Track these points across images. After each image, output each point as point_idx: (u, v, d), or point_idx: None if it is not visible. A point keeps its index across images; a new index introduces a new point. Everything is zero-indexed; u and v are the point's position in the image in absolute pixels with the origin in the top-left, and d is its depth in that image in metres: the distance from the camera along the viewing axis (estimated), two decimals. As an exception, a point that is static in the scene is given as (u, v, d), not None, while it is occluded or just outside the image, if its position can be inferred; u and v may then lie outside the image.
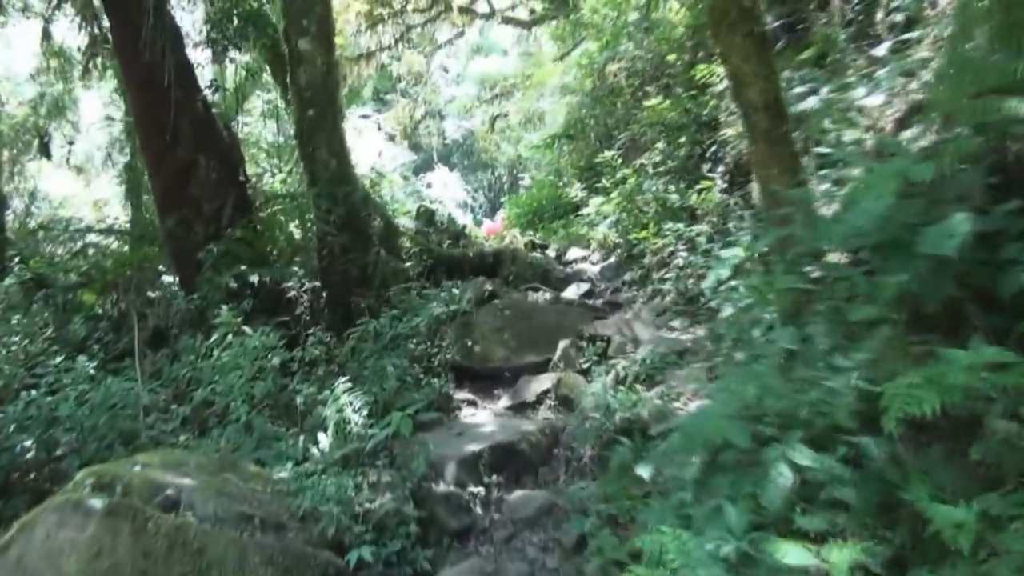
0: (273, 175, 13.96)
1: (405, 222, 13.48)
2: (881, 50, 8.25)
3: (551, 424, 8.05)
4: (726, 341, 6.38)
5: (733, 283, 6.80)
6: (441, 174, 33.49)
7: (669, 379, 8.43)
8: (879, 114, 7.39)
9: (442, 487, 6.82)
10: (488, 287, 10.99)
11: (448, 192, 30.74)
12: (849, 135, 7.39)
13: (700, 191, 10.76)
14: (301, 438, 7.59)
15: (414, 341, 9.57)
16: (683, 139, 12.65)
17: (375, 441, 6.64)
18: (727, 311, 7.86)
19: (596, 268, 13.57)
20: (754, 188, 9.85)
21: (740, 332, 6.10)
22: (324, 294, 11.81)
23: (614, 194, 14.03)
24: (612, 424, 7.32)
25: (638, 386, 8.25)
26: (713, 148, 11.17)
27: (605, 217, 14.36)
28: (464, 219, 31.42)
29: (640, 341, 9.37)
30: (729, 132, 10.58)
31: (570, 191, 17.49)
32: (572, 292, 11.98)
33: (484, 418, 8.56)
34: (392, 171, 25.64)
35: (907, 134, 6.48)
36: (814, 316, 4.39)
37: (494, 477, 7.18)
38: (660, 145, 13.97)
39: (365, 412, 7.80)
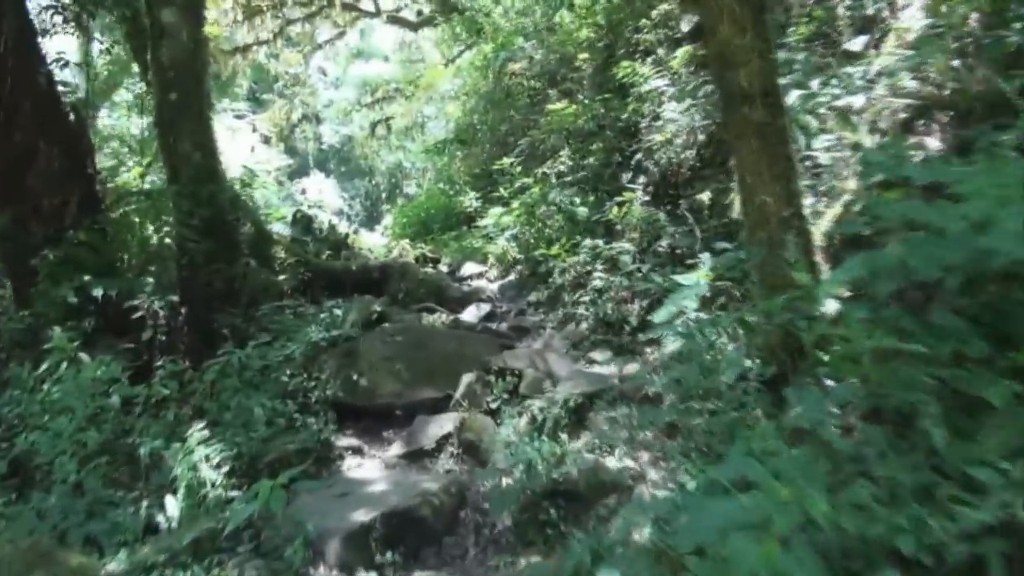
0: (129, 169, 12.06)
1: (279, 229, 11.83)
2: (857, 44, 7.10)
3: (456, 480, 6.64)
4: (690, 391, 5.02)
5: (691, 317, 5.45)
6: (317, 180, 32.16)
7: (595, 424, 7.11)
8: (875, 116, 6.20)
9: (322, 573, 5.32)
10: (376, 307, 9.47)
11: (324, 199, 29.37)
12: (842, 137, 6.19)
13: (620, 204, 9.47)
14: (144, 503, 5.96)
15: (287, 373, 7.99)
16: (595, 146, 11.36)
17: (238, 519, 5.03)
18: (670, 347, 6.58)
19: (495, 286, 12.18)
20: (685, 203, 8.67)
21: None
22: (183, 311, 10.11)
23: (514, 204, 12.67)
24: (534, 484, 5.94)
25: (561, 434, 6.90)
26: (636, 156, 9.88)
27: (504, 230, 12.99)
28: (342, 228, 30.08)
29: (556, 376, 8.02)
30: (656, 138, 9.32)
31: (463, 200, 16.04)
32: (471, 314, 10.55)
33: (373, 471, 7.07)
34: (267, 174, 23.89)
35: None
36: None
37: (388, 555, 5.68)
38: (565, 153, 12.70)
39: (226, 469, 6.23)
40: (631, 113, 10.43)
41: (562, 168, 12.59)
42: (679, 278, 5.78)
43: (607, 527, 5.73)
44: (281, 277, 10.63)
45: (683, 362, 5.45)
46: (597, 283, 9.04)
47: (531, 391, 7.73)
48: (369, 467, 7.23)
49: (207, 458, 6.20)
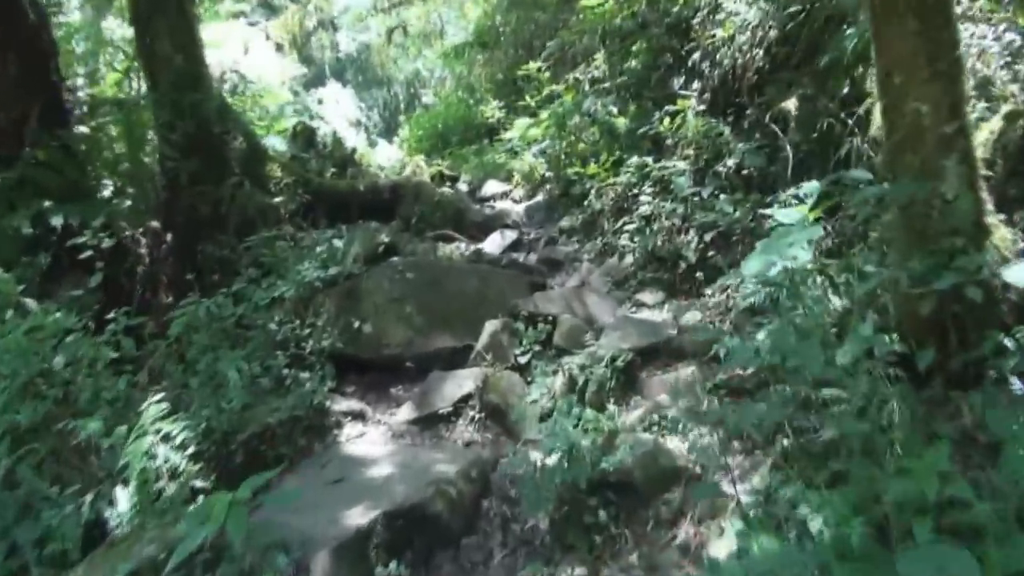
0: (104, 75, 10.57)
1: (276, 144, 10.41)
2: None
3: (478, 459, 5.36)
4: (797, 371, 3.64)
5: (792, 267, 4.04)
6: (333, 90, 30.70)
7: (649, 390, 5.80)
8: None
9: (305, 603, 4.10)
10: (383, 237, 8.07)
11: (341, 109, 28.16)
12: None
13: (671, 114, 7.98)
14: (88, 498, 4.69)
15: (276, 319, 6.67)
16: (637, 47, 9.79)
17: (183, 552, 3.71)
18: (750, 296, 5.20)
19: (520, 208, 10.75)
20: (753, 113, 7.20)
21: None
22: (168, 239, 8.81)
23: (543, 115, 11.18)
24: (577, 474, 4.66)
25: (608, 402, 5.60)
26: (690, 58, 8.32)
27: (531, 144, 11.52)
28: (355, 140, 28.86)
29: (598, 323, 6.72)
30: (717, 33, 7.75)
31: (485, 110, 14.47)
32: (495, 243, 9.15)
33: (377, 444, 5.79)
34: (281, 84, 22.93)
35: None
36: None
37: (392, 566, 4.42)
38: (600, 56, 11.13)
39: (191, 451, 4.97)
40: (682, 6, 8.84)
41: (597, 73, 11.06)
42: (778, 213, 4.36)
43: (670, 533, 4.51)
44: (277, 200, 9.24)
45: (779, 327, 4.06)
46: (645, 209, 7.62)
47: (568, 343, 6.42)
48: (373, 437, 5.95)
49: (167, 438, 4.93)
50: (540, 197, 10.88)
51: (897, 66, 3.47)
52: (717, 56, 7.80)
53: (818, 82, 6.25)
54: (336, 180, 10.34)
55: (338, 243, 7.66)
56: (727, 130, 7.23)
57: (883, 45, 3.57)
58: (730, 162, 6.92)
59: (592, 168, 8.67)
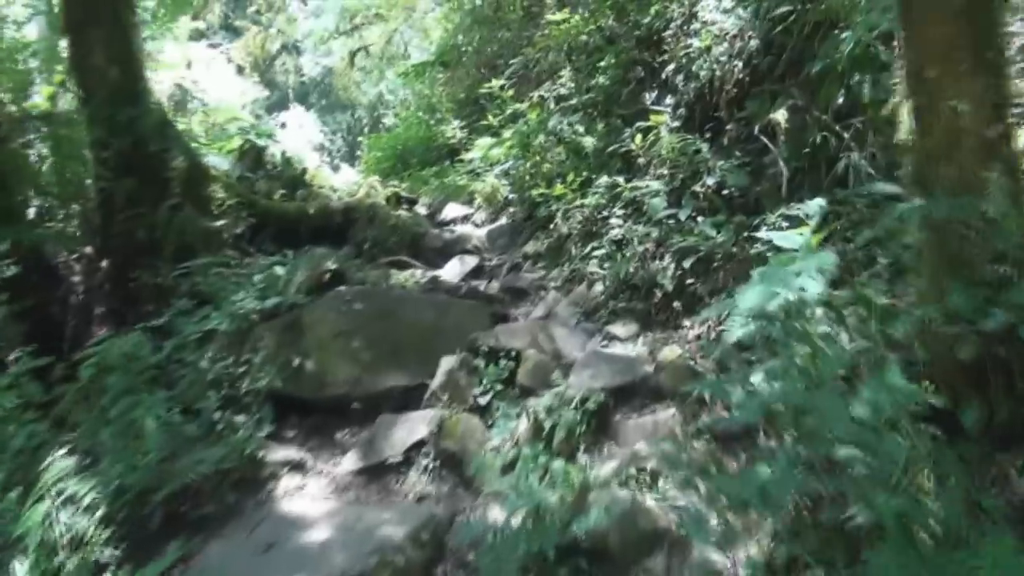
0: (33, 90, 9.79)
1: (220, 163, 9.69)
2: None
3: (430, 519, 4.68)
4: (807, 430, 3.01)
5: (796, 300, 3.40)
6: (296, 114, 30.36)
7: (623, 435, 5.18)
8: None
9: None
10: (330, 264, 7.36)
11: (303, 133, 28.44)
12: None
13: (643, 131, 7.38)
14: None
15: (208, 356, 5.97)
16: (604, 62, 9.19)
17: None
18: (737, 331, 4.57)
19: (482, 232, 10.10)
20: (734, 128, 6.64)
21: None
22: (103, 265, 8.12)
23: (506, 135, 10.58)
24: (544, 539, 4.02)
25: (578, 450, 4.98)
26: (663, 72, 7.70)
27: (493, 164, 10.91)
28: (318, 164, 28.45)
29: (566, 358, 6.08)
30: (693, 44, 7.14)
31: (446, 130, 13.85)
32: (454, 270, 8.47)
33: (317, 501, 5.12)
34: (242, 108, 22.55)
35: None
36: None
37: (325, 655, 3.75)
38: (566, 73, 10.56)
39: (100, 513, 4.27)
40: (653, 17, 8.27)
41: (563, 91, 10.48)
42: (776, 237, 3.75)
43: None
44: (219, 223, 8.52)
45: (781, 370, 3.43)
46: (616, 232, 7.00)
47: (533, 381, 5.78)
48: (313, 491, 5.26)
49: (71, 500, 4.23)
50: (503, 220, 10.25)
51: (932, 57, 2.86)
52: (692, 68, 7.20)
53: (808, 93, 5.68)
54: (284, 202, 9.64)
55: (280, 270, 6.96)
56: (705, 147, 6.62)
57: (916, 33, 2.97)
58: (710, 181, 6.30)
59: (559, 189, 8.04)
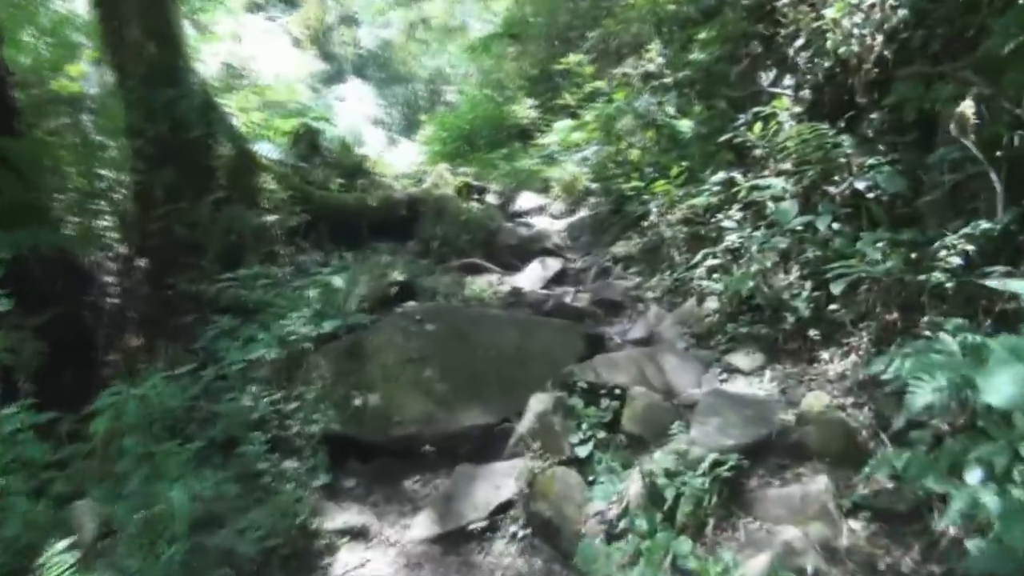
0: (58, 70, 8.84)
1: (270, 151, 8.73)
2: None
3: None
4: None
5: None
6: (354, 86, 29.52)
7: (763, 509, 4.14)
8: None
9: None
10: (396, 274, 6.36)
11: (361, 107, 26.99)
12: None
13: (760, 116, 6.27)
14: None
15: (253, 389, 5.04)
16: (704, 35, 8.04)
17: None
18: (922, 397, 3.51)
19: (561, 226, 9.08)
20: (876, 119, 5.52)
21: None
22: (140, 264, 7.29)
23: (586, 116, 9.52)
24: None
25: (707, 529, 3.98)
26: (784, 48, 6.55)
27: (572, 149, 9.86)
28: (375, 139, 27.79)
29: (680, 397, 5.07)
30: (827, 14, 5.97)
31: (516, 110, 12.77)
32: (534, 275, 7.45)
33: (381, 583, 4.16)
34: (299, 81, 21.96)
35: None
36: None
37: None
38: (655, 47, 9.43)
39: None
40: None
41: (651, 68, 9.36)
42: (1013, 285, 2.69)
43: None
44: (270, 218, 7.58)
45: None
46: (732, 239, 5.91)
47: (643, 428, 4.77)
48: (378, 566, 4.31)
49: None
50: (584, 213, 9.20)
51: None
52: (821, 44, 6.03)
53: (986, 78, 4.52)
54: (343, 194, 8.67)
55: (338, 281, 5.97)
56: (845, 139, 5.47)
57: None
58: (860, 185, 5.15)
59: (660, 185, 6.95)
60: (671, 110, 8.27)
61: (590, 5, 12.35)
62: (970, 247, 4.17)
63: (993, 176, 4.19)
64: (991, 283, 2.81)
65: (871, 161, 5.19)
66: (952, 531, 3.56)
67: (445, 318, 5.80)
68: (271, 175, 8.02)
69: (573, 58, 10.63)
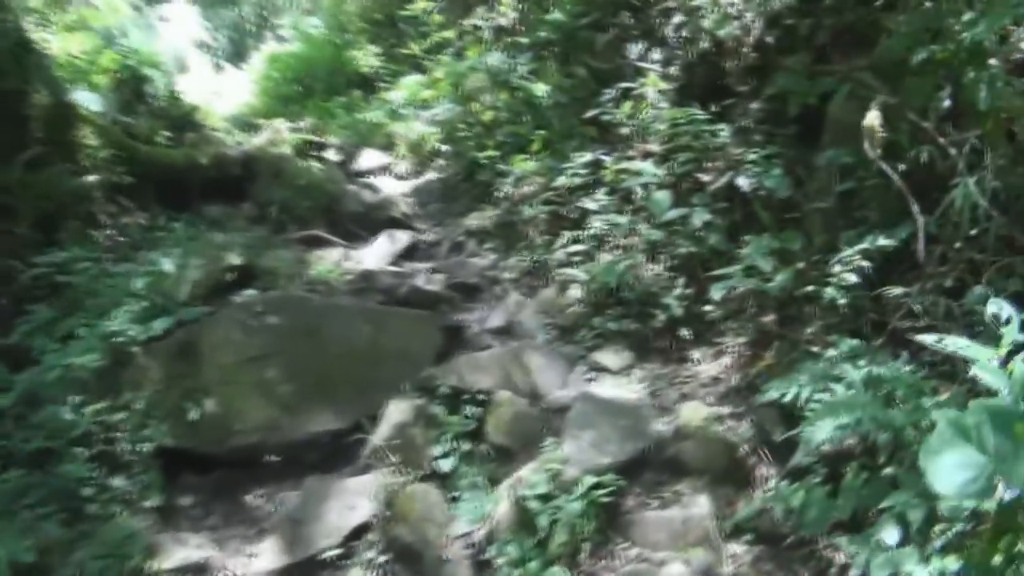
0: None
1: (88, 99, 7.84)
2: None
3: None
4: None
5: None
6: (178, 7, 28.09)
7: (642, 534, 3.90)
8: None
9: None
10: (234, 258, 5.75)
11: (185, 30, 25.82)
12: None
13: (628, 92, 5.96)
14: None
15: (74, 398, 4.45)
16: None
17: None
18: (822, 430, 3.30)
19: (408, 188, 8.58)
20: (755, 109, 5.32)
21: None
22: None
23: (438, 72, 9.03)
24: None
25: (581, 556, 3.73)
26: (657, 22, 6.23)
27: (418, 105, 9.36)
28: (200, 66, 26.64)
29: (548, 400, 4.75)
30: None
31: (357, 56, 12.03)
32: (383, 250, 6.93)
33: (225, 634, 3.72)
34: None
35: None
36: None
37: None
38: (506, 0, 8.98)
39: None
40: None
41: (504, 22, 8.92)
42: (957, 346, 2.48)
43: None
44: (91, 178, 6.80)
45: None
46: (597, 226, 5.61)
47: (511, 439, 4.49)
48: (218, 608, 3.86)
49: None
50: (432, 176, 8.73)
51: None
52: (697, 21, 5.74)
53: (886, 84, 4.30)
54: (170, 150, 7.90)
55: (168, 265, 5.34)
56: (722, 128, 5.20)
57: None
58: (741, 181, 4.89)
59: (518, 160, 6.58)
60: (525, 71, 7.88)
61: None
62: (866, 263, 3.97)
63: (902, 187, 3.98)
64: (929, 342, 2.55)
65: (752, 156, 4.94)
66: (842, 557, 3.40)
67: (290, 309, 5.27)
68: (92, 129, 7.20)
69: (419, 4, 10.06)
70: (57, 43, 8.71)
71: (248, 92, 14.34)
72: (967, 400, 3.04)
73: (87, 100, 7.63)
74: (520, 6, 8.83)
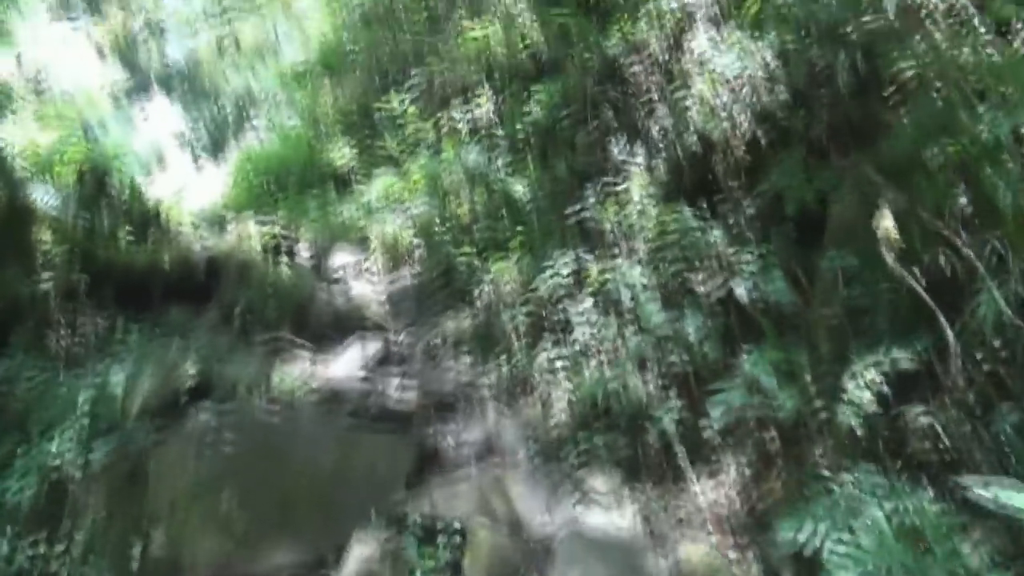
0: None
1: (44, 195, 7.43)
2: None
3: None
4: None
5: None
6: (159, 101, 28.24)
7: None
8: None
9: None
10: (189, 367, 5.31)
11: (166, 124, 25.97)
12: None
13: (610, 193, 5.64)
14: None
15: (9, 530, 3.99)
16: (542, 90, 7.37)
17: None
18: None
19: (381, 289, 8.20)
20: (747, 207, 5.00)
21: None
22: None
23: (411, 167, 8.75)
24: None
25: None
26: (639, 117, 5.93)
27: (392, 202, 9.02)
28: (178, 160, 26.66)
29: (530, 535, 4.32)
30: (696, 87, 5.33)
31: (332, 151, 11.72)
32: (353, 360, 6.47)
33: None
34: (100, 90, 20.65)
35: None
36: None
37: None
38: (485, 93, 8.73)
39: None
40: (620, 40, 6.48)
41: (481, 116, 8.65)
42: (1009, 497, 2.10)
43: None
44: (44, 280, 6.40)
45: None
46: (583, 333, 5.23)
47: (488, 579, 3.98)
48: None
49: None
50: (406, 274, 8.35)
51: None
52: (683, 117, 5.44)
53: (894, 181, 3.98)
54: (132, 250, 7.51)
55: (116, 381, 4.90)
56: (714, 229, 4.86)
57: None
58: (739, 289, 4.52)
59: (497, 262, 6.23)
60: (503, 167, 7.60)
61: (413, 40, 11.51)
62: (879, 378, 3.59)
63: (923, 295, 3.62)
64: (976, 491, 2.17)
65: (747, 257, 4.60)
66: None
67: (248, 428, 4.82)
68: (48, 228, 6.82)
69: (394, 98, 9.82)
70: (23, 134, 8.43)
71: (222, 187, 14.07)
72: (1005, 542, 2.69)
73: (43, 195, 7.27)
74: (498, 99, 8.57)
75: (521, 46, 8.27)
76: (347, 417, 5.36)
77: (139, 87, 29.44)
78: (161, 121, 27.10)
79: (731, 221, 5.01)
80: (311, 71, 13.71)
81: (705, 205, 5.21)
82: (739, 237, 4.89)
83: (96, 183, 8.37)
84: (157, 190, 9.75)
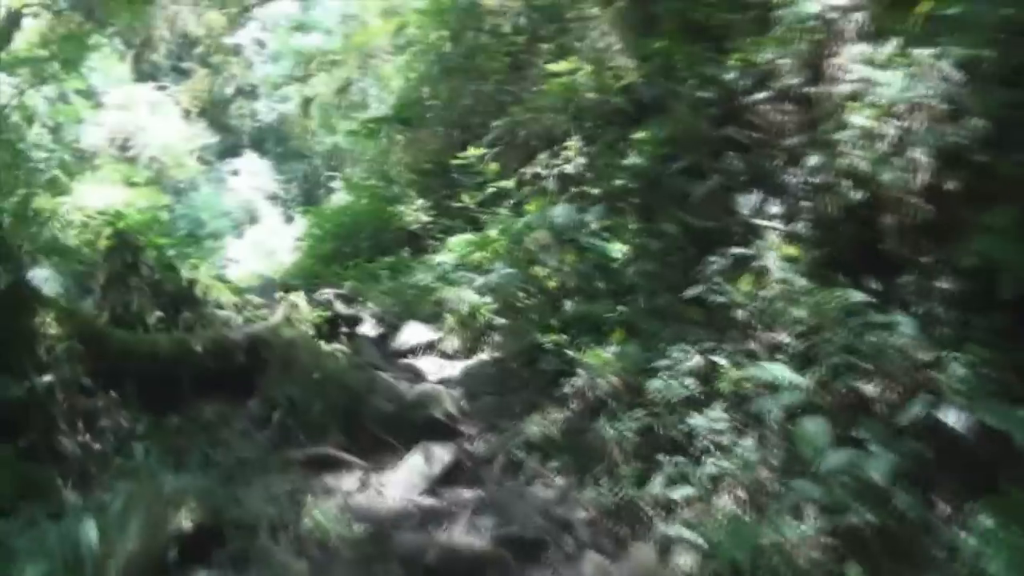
0: None
1: (49, 278, 6.38)
2: None
3: None
4: None
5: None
6: (250, 160, 29.63)
7: None
8: None
9: None
10: (185, 515, 4.00)
11: (257, 180, 28.46)
12: None
13: (738, 260, 4.28)
14: None
15: None
16: (642, 137, 6.07)
17: None
18: None
19: (456, 371, 6.94)
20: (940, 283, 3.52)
21: None
22: None
23: (491, 230, 7.55)
24: None
25: None
26: (774, 164, 4.57)
27: (473, 269, 7.83)
28: (270, 214, 27.10)
29: None
30: (855, 120, 3.96)
31: (403, 209, 10.61)
32: (414, 474, 5.12)
33: None
34: (189, 154, 23.42)
35: None
36: None
37: None
38: (574, 143, 7.53)
39: None
40: (741, 68, 5.13)
41: (570, 169, 7.46)
42: None
43: None
44: (51, 375, 5.27)
45: None
46: (718, 464, 3.83)
47: None
48: None
49: None
50: (485, 356, 7.09)
51: None
52: (832, 161, 4.06)
53: None
54: (159, 334, 6.37)
55: (90, 537, 3.64)
56: (907, 327, 3.45)
57: None
58: (950, 414, 3.08)
59: (593, 355, 4.89)
60: (596, 226, 6.36)
61: (494, 89, 10.40)
62: None
63: None
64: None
65: (955, 368, 3.16)
66: None
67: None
68: (53, 315, 5.71)
69: (473, 152, 8.71)
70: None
71: (291, 252, 13.29)
72: None
73: (46, 277, 6.26)
74: (589, 150, 7.35)
75: (615, 85, 7.06)
76: (396, 567, 4.01)
77: (231, 147, 30.39)
78: (251, 178, 27.82)
79: (915, 308, 3.58)
80: (386, 124, 12.65)
81: (873, 282, 3.80)
82: (932, 330, 3.46)
83: (129, 252, 7.33)
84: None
